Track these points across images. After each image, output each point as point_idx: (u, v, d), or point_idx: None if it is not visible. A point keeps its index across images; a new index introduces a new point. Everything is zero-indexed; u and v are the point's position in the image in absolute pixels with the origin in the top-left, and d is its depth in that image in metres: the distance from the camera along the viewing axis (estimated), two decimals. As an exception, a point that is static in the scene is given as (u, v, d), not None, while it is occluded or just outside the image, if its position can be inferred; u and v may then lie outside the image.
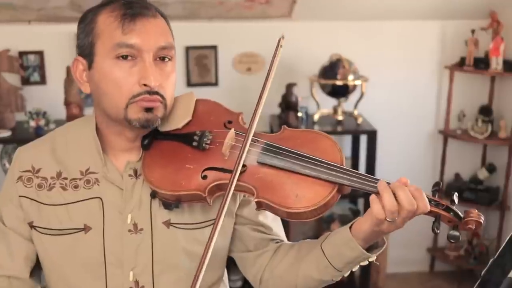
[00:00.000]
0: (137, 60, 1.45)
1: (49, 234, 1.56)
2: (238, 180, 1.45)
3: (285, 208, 1.41)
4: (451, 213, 1.39)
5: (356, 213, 4.33)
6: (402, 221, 1.38)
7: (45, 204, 1.57)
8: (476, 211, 1.40)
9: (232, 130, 1.52)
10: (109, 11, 1.47)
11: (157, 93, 1.47)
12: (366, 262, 1.51)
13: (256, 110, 1.50)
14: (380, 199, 1.37)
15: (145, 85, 1.45)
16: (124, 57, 1.45)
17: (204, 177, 1.48)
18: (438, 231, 1.38)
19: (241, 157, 1.45)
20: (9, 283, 1.60)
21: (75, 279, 1.57)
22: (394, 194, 1.36)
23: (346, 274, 1.55)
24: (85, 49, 1.50)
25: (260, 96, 1.51)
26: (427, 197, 1.39)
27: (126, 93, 1.46)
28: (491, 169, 4.49)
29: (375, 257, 1.51)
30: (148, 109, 1.48)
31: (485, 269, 1.44)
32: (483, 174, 4.51)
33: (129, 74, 1.45)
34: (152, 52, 1.46)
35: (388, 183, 1.39)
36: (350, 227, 1.49)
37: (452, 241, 1.38)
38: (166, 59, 1.50)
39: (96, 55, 1.47)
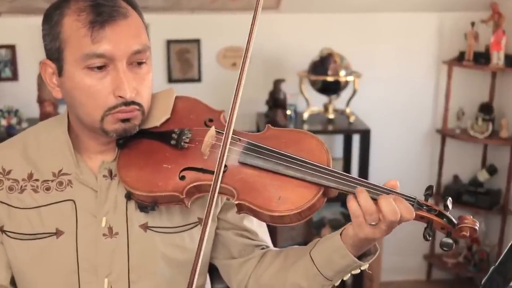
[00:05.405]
0: (109, 69, 1.44)
1: (20, 239, 1.56)
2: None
3: (267, 211, 1.41)
4: (444, 219, 1.38)
5: (348, 218, 4.29)
6: (388, 228, 1.38)
7: (16, 207, 1.57)
8: (471, 217, 1.39)
9: (213, 128, 1.52)
10: (75, 12, 1.44)
11: (133, 102, 1.47)
12: (358, 271, 1.51)
13: (235, 98, 1.47)
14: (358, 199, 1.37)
15: (120, 96, 1.45)
16: (96, 67, 1.44)
17: (182, 178, 1.47)
18: (430, 238, 1.38)
19: (222, 157, 1.44)
20: None
21: (46, 287, 1.58)
22: (376, 202, 1.36)
23: (337, 284, 1.56)
24: (53, 54, 1.49)
25: (239, 79, 1.48)
26: (419, 202, 1.39)
27: (101, 104, 1.45)
28: (492, 170, 4.51)
29: (367, 265, 1.51)
30: (125, 119, 1.48)
31: (485, 278, 1.43)
32: (483, 176, 4.53)
33: (103, 85, 1.44)
34: (126, 58, 1.44)
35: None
36: (341, 234, 1.49)
37: (445, 249, 1.37)
38: (141, 63, 1.49)
39: (65, 63, 1.46)
